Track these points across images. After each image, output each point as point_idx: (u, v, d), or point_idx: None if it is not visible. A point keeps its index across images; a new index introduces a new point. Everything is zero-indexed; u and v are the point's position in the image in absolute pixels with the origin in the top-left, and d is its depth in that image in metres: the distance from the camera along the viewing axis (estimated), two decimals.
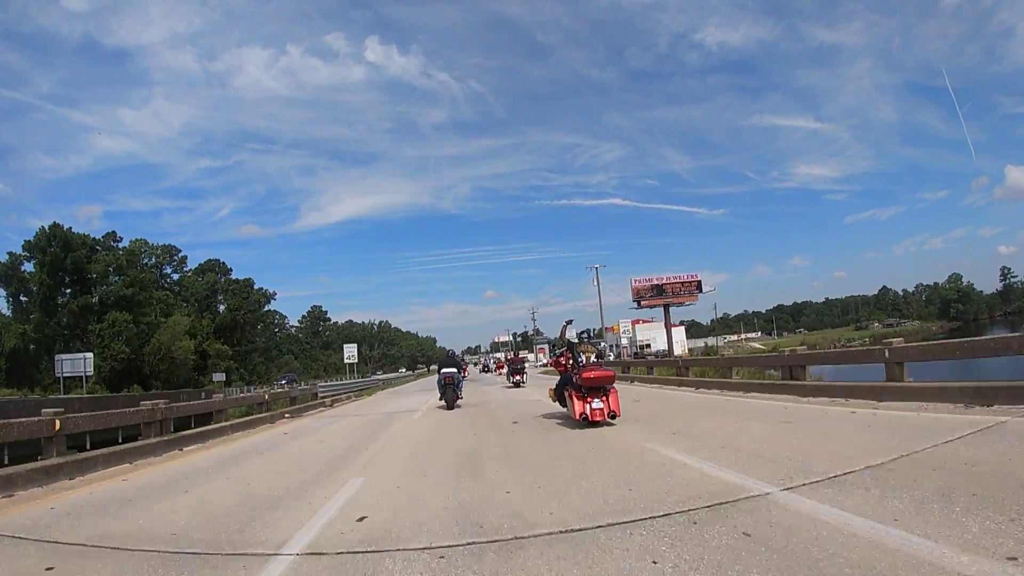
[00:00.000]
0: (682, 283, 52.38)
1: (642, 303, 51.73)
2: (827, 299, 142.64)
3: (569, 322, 9.36)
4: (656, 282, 52.23)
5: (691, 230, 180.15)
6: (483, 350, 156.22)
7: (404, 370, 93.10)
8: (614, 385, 7.72)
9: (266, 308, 79.87)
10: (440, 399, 12.92)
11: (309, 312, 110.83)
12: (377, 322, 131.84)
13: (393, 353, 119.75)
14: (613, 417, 7.49)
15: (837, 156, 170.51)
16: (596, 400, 7.42)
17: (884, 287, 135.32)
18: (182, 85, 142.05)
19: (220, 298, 66.69)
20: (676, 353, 49.84)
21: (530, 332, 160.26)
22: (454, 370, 13.02)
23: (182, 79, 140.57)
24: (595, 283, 45.23)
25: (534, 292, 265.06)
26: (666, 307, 52.22)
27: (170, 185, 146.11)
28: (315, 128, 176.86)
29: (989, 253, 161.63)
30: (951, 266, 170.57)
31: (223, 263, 68.99)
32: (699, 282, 52.57)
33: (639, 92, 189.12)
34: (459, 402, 12.92)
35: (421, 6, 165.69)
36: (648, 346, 59.70)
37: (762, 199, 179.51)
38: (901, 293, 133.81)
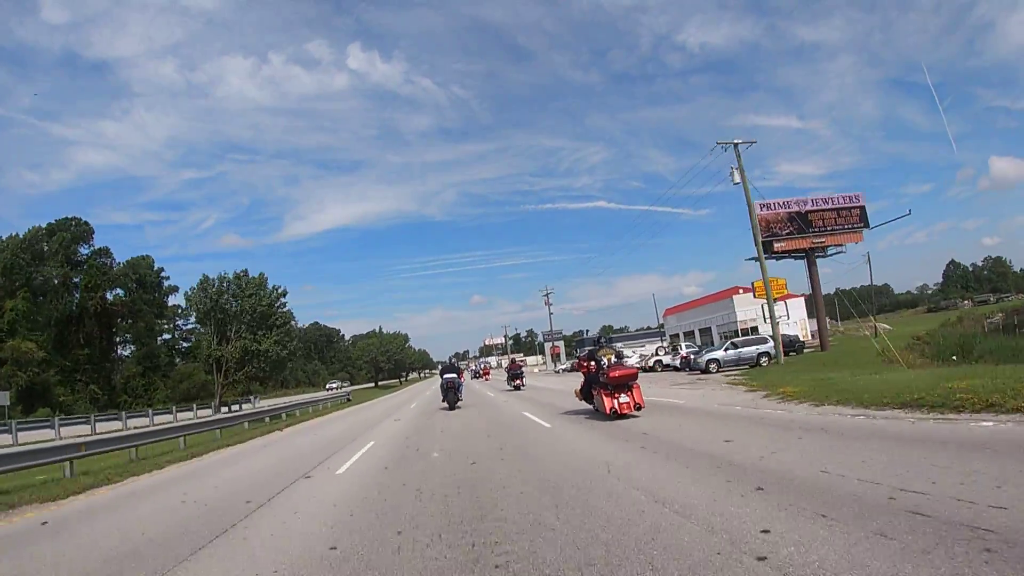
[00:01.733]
0: (837, 211, 30.52)
1: (777, 245, 29.62)
2: (837, 289, 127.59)
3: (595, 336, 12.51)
4: (797, 209, 30.21)
5: (676, 231, 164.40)
6: (472, 355, 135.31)
7: (336, 384, 66.44)
8: (637, 380, 9.33)
9: (171, 300, 55.86)
10: (443, 401, 16.32)
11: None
12: (229, 272, 39.16)
13: (265, 348, 34.61)
14: (639, 409, 9.06)
15: (820, 153, 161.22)
16: (623, 395, 8.87)
17: (952, 260, 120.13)
18: (164, 96, 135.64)
19: (73, 274, 42.58)
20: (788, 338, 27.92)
21: (523, 335, 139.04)
22: (455, 375, 16.44)
23: (164, 90, 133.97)
24: (733, 173, 23.05)
25: (521, 296, 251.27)
26: (810, 253, 30.28)
27: (154, 197, 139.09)
28: (298, 137, 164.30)
29: (973, 245, 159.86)
30: (938, 259, 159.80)
31: (85, 222, 44.91)
32: (862, 209, 30.78)
33: (622, 94, 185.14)
34: (459, 404, 16.21)
35: (402, 12, 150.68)
36: (755, 329, 37.47)
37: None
38: (971, 268, 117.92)
